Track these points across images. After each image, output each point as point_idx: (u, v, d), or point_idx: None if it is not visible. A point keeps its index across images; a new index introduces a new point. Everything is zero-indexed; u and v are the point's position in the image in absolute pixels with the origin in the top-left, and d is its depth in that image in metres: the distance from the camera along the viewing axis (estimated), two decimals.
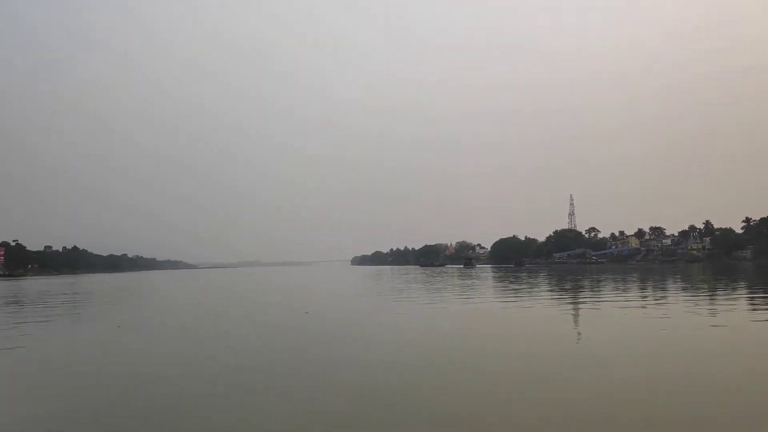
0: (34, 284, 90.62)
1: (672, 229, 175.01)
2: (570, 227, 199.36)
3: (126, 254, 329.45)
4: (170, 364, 14.60)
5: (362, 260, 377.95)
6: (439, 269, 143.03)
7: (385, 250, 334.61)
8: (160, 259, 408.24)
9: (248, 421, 9.23)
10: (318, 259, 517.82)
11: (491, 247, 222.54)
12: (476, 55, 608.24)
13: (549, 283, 53.31)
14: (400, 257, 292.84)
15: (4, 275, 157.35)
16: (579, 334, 19.04)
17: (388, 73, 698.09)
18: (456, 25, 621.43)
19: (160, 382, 12.31)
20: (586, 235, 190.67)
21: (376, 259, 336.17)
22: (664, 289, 41.15)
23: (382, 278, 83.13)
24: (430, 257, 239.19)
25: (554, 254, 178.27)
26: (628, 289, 41.86)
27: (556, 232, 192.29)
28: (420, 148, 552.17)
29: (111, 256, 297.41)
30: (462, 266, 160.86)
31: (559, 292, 40.06)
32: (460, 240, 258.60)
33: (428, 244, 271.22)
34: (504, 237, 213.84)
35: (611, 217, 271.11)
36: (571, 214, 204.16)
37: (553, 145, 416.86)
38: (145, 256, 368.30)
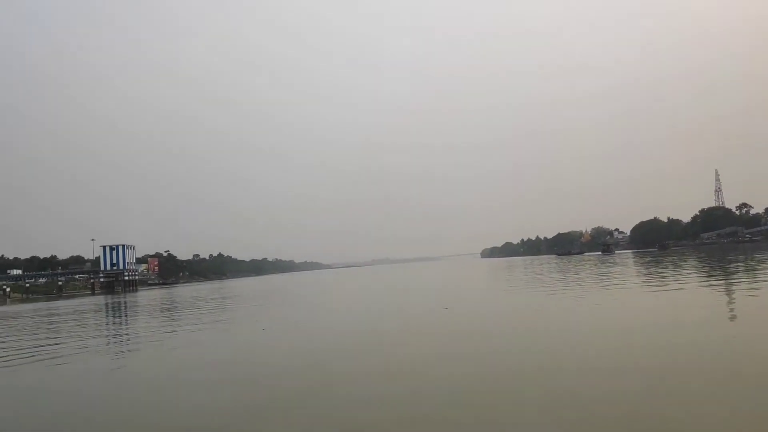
0: (185, 291, 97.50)
1: None
2: (717, 204, 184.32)
3: (266, 258, 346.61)
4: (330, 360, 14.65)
5: (492, 252, 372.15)
6: (577, 257, 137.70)
7: (516, 241, 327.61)
8: (297, 261, 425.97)
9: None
10: (446, 253, 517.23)
11: (630, 231, 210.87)
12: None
13: (714, 267, 49.21)
14: (532, 247, 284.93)
15: (158, 284, 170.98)
16: None
17: None
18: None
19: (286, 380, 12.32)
20: (737, 212, 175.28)
21: (507, 250, 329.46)
22: None
23: (518, 270, 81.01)
24: (563, 246, 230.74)
25: (702, 235, 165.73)
26: None
27: (702, 211, 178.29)
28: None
29: (253, 260, 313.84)
30: (600, 253, 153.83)
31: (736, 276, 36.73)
32: (596, 226, 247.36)
33: (561, 232, 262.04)
34: (644, 220, 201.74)
35: (763, 191, 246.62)
36: (718, 191, 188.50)
37: (694, 117, 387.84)
38: (283, 259, 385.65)
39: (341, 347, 17.46)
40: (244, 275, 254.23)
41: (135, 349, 21.48)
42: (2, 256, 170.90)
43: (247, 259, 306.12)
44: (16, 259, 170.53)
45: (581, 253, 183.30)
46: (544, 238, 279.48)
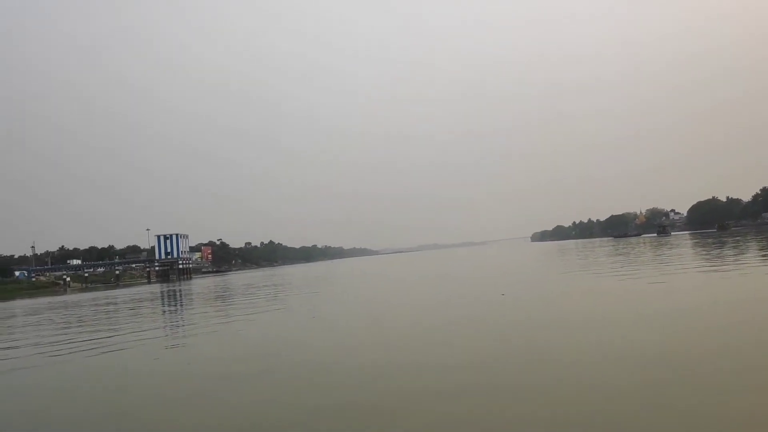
0: (237, 278, 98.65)
1: None
2: None
3: (316, 245, 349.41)
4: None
5: (542, 236, 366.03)
6: (634, 239, 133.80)
7: (567, 223, 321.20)
8: (346, 248, 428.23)
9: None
10: (495, 237, 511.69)
11: (687, 211, 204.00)
12: None
13: None
14: (584, 230, 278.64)
15: (212, 271, 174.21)
16: None
17: None
18: None
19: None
20: None
21: (558, 234, 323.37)
22: None
23: (574, 253, 78.90)
24: (617, 228, 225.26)
25: (763, 214, 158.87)
26: None
27: (764, 190, 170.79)
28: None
29: (303, 247, 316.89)
30: (655, 235, 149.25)
31: None
32: (651, 207, 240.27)
33: (614, 214, 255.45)
34: (702, 200, 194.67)
35: None
36: None
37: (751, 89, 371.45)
38: (332, 246, 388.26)
39: (399, 337, 16.59)
40: (294, 262, 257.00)
41: (191, 334, 21.20)
42: (62, 246, 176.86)
43: (297, 247, 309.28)
44: (75, 249, 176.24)
45: (639, 235, 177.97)
46: (597, 220, 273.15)
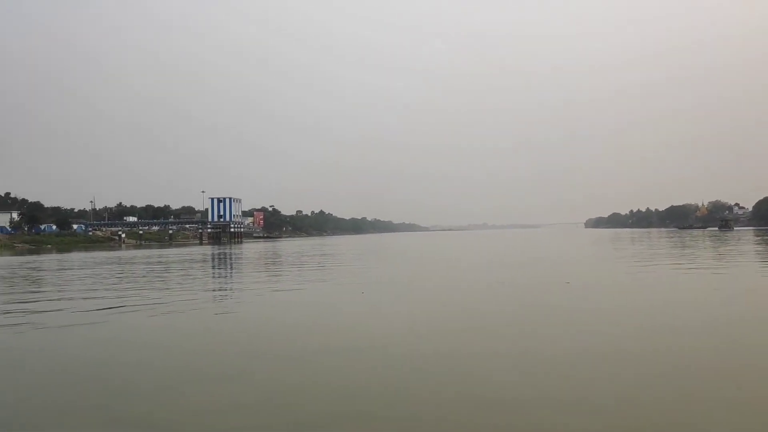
0: (287, 245, 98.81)
1: None
2: None
3: (365, 218, 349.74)
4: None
5: (597, 222, 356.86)
6: (698, 232, 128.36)
7: (623, 211, 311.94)
8: (395, 222, 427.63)
9: None
10: (546, 221, 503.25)
11: (753, 206, 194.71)
12: None
13: None
14: (641, 219, 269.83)
15: (263, 237, 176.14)
16: None
17: None
18: None
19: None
20: None
21: (614, 221, 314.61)
22: None
23: (636, 242, 75.58)
24: (676, 219, 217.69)
25: None
26: None
27: None
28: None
29: (353, 219, 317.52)
30: (717, 229, 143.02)
31: None
32: (713, 200, 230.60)
33: (674, 204, 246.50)
34: None
35: None
36: None
37: None
38: (382, 219, 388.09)
39: (456, 324, 15.02)
40: (343, 233, 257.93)
41: (239, 301, 20.21)
42: (120, 203, 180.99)
43: (347, 218, 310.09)
44: (132, 206, 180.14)
45: (704, 227, 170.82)
46: (656, 210, 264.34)
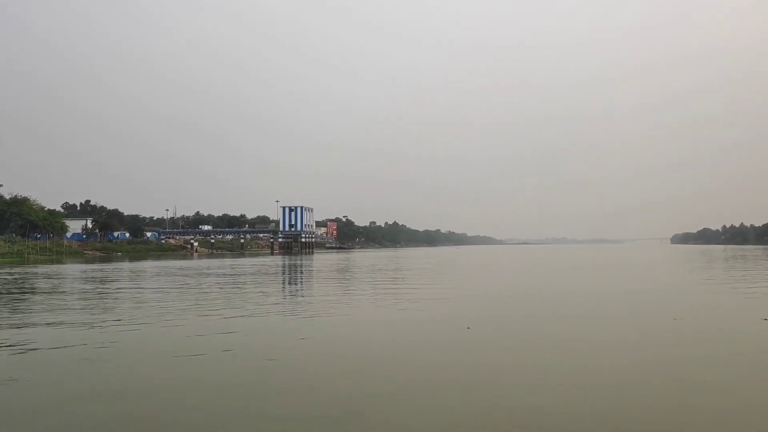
0: (360, 257, 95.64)
1: None
2: None
3: (439, 230, 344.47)
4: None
5: (685, 238, 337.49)
6: None
7: (714, 227, 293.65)
8: (470, 235, 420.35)
9: None
10: (630, 236, 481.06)
11: None
12: None
13: None
14: (735, 235, 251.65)
15: (335, 247, 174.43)
16: None
17: None
18: None
19: None
20: None
21: (703, 237, 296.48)
22: None
23: (738, 262, 67.42)
24: None
25: None
26: None
27: None
28: None
29: (426, 231, 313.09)
30: None
31: None
32: None
33: None
34: None
35: None
36: None
37: None
38: (456, 232, 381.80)
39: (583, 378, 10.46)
40: (416, 245, 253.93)
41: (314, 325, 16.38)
42: (198, 212, 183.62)
43: (421, 230, 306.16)
44: (210, 215, 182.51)
45: None
46: (751, 225, 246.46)
